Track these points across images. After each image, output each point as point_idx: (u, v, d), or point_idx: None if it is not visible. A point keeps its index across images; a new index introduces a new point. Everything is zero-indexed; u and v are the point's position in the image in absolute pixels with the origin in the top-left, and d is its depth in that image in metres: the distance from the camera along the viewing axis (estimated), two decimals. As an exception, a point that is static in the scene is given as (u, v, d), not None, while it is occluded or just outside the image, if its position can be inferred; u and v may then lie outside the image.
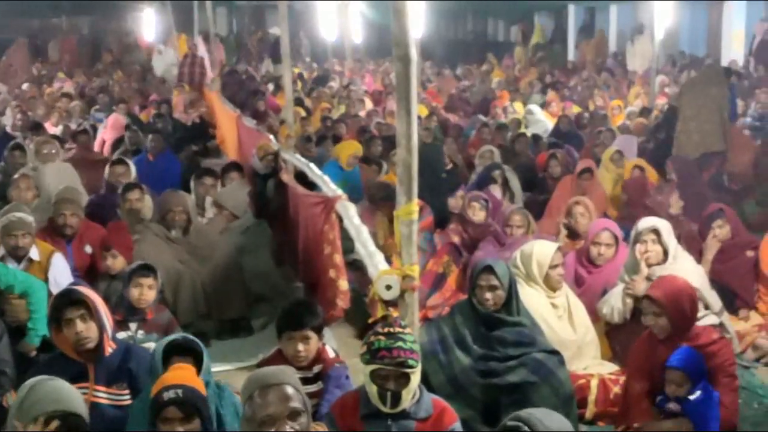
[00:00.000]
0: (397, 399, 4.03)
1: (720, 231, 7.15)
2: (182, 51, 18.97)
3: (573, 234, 7.50)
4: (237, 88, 17.48)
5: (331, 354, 5.02)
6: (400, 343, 4.02)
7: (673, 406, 4.87)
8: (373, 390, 4.06)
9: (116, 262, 6.62)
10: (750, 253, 7.16)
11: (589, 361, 5.85)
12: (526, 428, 3.03)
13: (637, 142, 11.66)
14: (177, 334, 4.61)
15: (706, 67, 14.09)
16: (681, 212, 8.01)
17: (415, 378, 4.07)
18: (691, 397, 4.83)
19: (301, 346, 4.81)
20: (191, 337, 4.49)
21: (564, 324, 5.84)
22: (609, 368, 5.81)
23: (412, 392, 4.07)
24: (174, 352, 4.37)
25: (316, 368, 4.88)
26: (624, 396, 5.25)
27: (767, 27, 20.35)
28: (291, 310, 5.00)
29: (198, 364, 4.27)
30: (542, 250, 5.92)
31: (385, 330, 4.09)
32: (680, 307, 5.04)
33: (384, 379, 4.03)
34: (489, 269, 5.25)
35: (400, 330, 4.09)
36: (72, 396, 3.86)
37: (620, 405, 5.29)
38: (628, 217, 7.73)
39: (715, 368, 4.94)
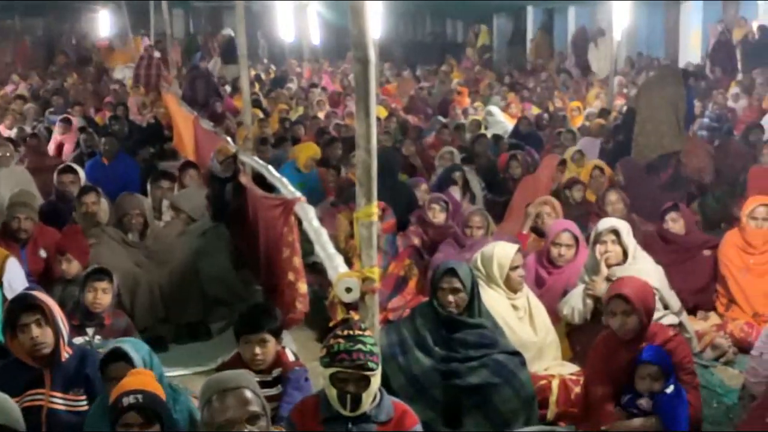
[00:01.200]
0: (357, 402, 4.01)
1: (674, 224, 7.20)
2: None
3: (540, 232, 7.52)
4: (203, 84, 17.42)
5: (290, 357, 5.02)
6: (359, 346, 4.00)
7: (645, 402, 4.86)
8: (332, 393, 4.03)
9: (71, 267, 6.55)
10: (707, 253, 7.21)
11: (550, 362, 5.85)
12: None
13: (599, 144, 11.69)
14: (111, 346, 4.55)
15: (662, 68, 14.22)
16: (624, 214, 8.01)
17: (375, 381, 4.05)
18: (667, 391, 4.82)
19: (258, 350, 4.80)
20: (124, 348, 4.44)
21: (525, 325, 5.84)
22: (570, 369, 5.81)
23: (372, 395, 4.05)
24: (112, 359, 4.38)
25: (276, 371, 4.87)
26: (584, 400, 5.23)
27: (722, 29, 20.54)
28: (248, 313, 5.00)
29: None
30: (503, 252, 5.91)
31: (345, 333, 4.07)
32: (648, 305, 5.06)
33: (344, 382, 4.01)
34: (452, 272, 5.23)
35: (360, 333, 4.07)
36: (8, 409, 3.82)
37: (580, 409, 5.28)
38: (581, 217, 7.74)
39: (676, 365, 4.94)
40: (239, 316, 5.04)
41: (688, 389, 4.92)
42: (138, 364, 4.32)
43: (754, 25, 20.35)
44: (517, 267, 5.88)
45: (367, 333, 4.12)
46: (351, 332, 4.06)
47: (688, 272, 7.07)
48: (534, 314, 5.91)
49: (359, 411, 4.02)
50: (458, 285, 5.20)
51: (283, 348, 5.02)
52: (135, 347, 4.47)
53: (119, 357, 4.38)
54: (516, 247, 6.05)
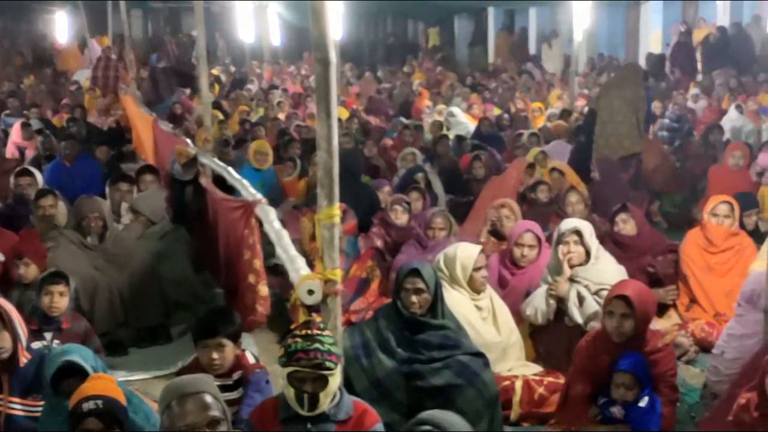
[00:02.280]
0: (314, 401, 3.99)
1: (624, 225, 7.21)
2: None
3: (499, 235, 7.52)
4: (165, 83, 17.35)
5: (251, 360, 5.00)
6: (317, 345, 3.99)
7: (617, 410, 4.86)
8: (290, 393, 4.02)
9: (29, 271, 6.46)
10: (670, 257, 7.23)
11: (513, 363, 5.85)
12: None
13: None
14: (61, 360, 4.49)
15: (624, 67, 14.25)
16: (585, 214, 8.03)
17: (334, 380, 4.03)
18: (641, 404, 4.81)
19: (215, 354, 4.76)
20: (75, 360, 4.40)
21: (488, 326, 5.84)
22: (533, 369, 5.82)
23: (330, 395, 4.03)
24: (66, 374, 4.35)
25: (236, 375, 4.83)
26: (563, 396, 5.24)
27: (682, 29, 20.75)
28: (205, 318, 4.97)
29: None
30: (466, 253, 5.91)
31: (303, 332, 4.05)
32: (648, 312, 5.04)
33: (301, 381, 3.99)
34: (415, 272, 5.22)
35: (318, 332, 4.05)
36: None
37: (558, 404, 5.30)
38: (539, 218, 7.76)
39: (657, 377, 4.94)
40: (196, 321, 5.01)
41: (665, 402, 4.92)
42: (90, 373, 4.29)
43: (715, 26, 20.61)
44: (480, 268, 5.88)
45: (325, 333, 4.10)
46: (309, 332, 4.04)
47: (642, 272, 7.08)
48: (497, 315, 5.91)
49: (317, 411, 4.00)
50: (422, 286, 5.19)
51: (244, 351, 4.99)
52: (83, 357, 4.44)
53: (72, 371, 4.34)
54: (479, 247, 6.05)
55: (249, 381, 4.78)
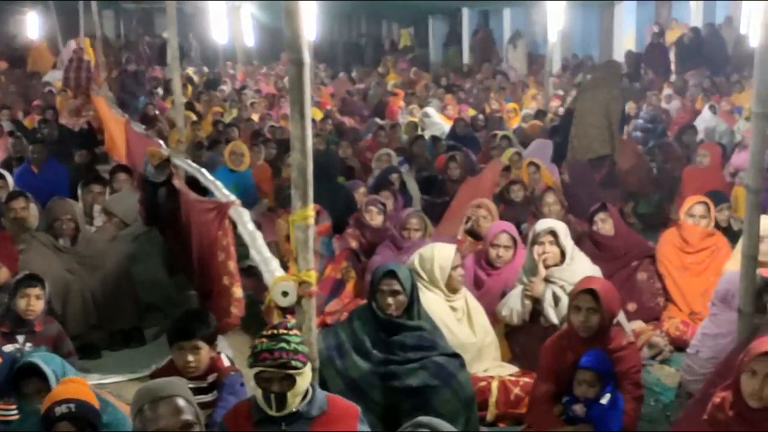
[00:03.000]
0: (282, 401, 3.96)
1: (603, 225, 7.22)
2: (89, 54, 18.42)
3: (476, 235, 7.52)
4: (133, 84, 17.24)
5: (226, 363, 4.96)
6: (282, 345, 3.96)
7: (579, 408, 4.85)
8: (258, 393, 4.01)
9: (0, 273, 6.39)
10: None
11: (489, 364, 5.85)
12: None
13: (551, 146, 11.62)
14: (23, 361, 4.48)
15: (602, 66, 14.26)
16: (561, 215, 8.04)
17: (302, 380, 3.99)
18: (602, 401, 4.80)
19: (191, 357, 4.73)
20: (35, 362, 4.41)
21: (463, 327, 5.83)
22: (509, 370, 5.83)
23: (299, 394, 4.00)
24: (25, 375, 4.37)
25: (211, 378, 4.80)
26: (531, 395, 5.24)
27: (656, 30, 20.87)
28: (180, 320, 4.94)
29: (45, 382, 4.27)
30: (443, 253, 5.90)
31: (270, 332, 4.04)
32: (613, 307, 5.04)
33: (268, 381, 3.97)
34: (391, 274, 5.20)
35: (285, 332, 4.03)
36: None
37: (528, 404, 5.31)
38: (515, 219, 7.78)
39: (621, 374, 4.93)
40: (171, 323, 4.98)
41: (628, 399, 4.91)
42: (50, 377, 4.30)
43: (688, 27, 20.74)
44: (457, 266, 5.88)
45: (293, 332, 4.08)
46: (275, 331, 4.03)
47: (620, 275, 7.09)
48: (473, 315, 5.91)
49: (285, 411, 3.97)
50: (398, 287, 5.17)
51: (219, 353, 4.96)
52: (45, 361, 4.43)
53: (32, 372, 4.35)
54: (454, 246, 6.06)
55: (224, 384, 4.75)
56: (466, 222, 7.66)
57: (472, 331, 5.86)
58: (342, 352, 5.18)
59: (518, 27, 25.94)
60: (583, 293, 4.99)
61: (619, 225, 7.33)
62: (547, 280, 5.96)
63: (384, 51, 30.03)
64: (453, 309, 5.84)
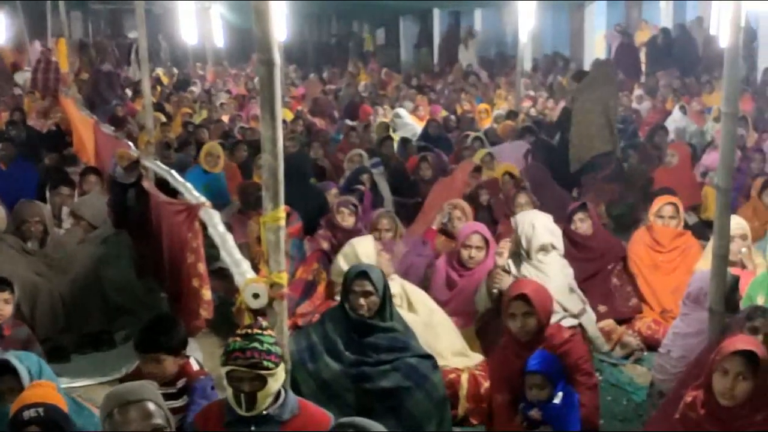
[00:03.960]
0: (252, 401, 3.95)
1: (581, 224, 7.24)
2: (62, 55, 18.25)
3: (449, 235, 7.53)
4: (105, 85, 17.11)
5: (195, 367, 4.93)
6: (255, 344, 3.96)
7: (535, 413, 4.82)
8: (229, 392, 4.00)
9: (-34, 277, 6.31)
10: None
11: (452, 343, 5.88)
12: None
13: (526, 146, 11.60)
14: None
15: (596, 66, 14.25)
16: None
17: (274, 381, 3.99)
18: (555, 401, 4.78)
19: (153, 368, 4.71)
20: (9, 360, 4.39)
21: (404, 311, 5.80)
22: (476, 360, 5.81)
23: (269, 395, 3.99)
24: None
25: (181, 382, 4.77)
26: (488, 406, 5.24)
27: (620, 40, 20.98)
28: (147, 330, 4.89)
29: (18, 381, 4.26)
30: (362, 244, 6.18)
31: (243, 332, 4.04)
32: (547, 307, 5.05)
33: (239, 380, 3.96)
34: (363, 275, 5.19)
35: (258, 331, 4.03)
36: None
37: (487, 414, 5.30)
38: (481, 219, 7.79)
39: (571, 367, 4.93)
40: (138, 332, 4.94)
41: (583, 390, 4.91)
42: (24, 376, 4.26)
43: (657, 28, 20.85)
44: (380, 251, 6.10)
45: (266, 332, 4.07)
46: (249, 331, 4.03)
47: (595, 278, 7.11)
48: (412, 299, 5.98)
49: (255, 411, 3.97)
50: (370, 288, 5.16)
51: (188, 358, 4.92)
52: (20, 359, 4.40)
53: (4, 370, 4.32)
54: (370, 236, 6.34)
55: (194, 388, 4.72)
56: (442, 219, 7.71)
57: (414, 312, 5.90)
58: (314, 354, 5.15)
59: (488, 28, 26.02)
60: (515, 300, 4.99)
61: (597, 225, 7.39)
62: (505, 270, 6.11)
63: (358, 50, 30.06)
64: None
